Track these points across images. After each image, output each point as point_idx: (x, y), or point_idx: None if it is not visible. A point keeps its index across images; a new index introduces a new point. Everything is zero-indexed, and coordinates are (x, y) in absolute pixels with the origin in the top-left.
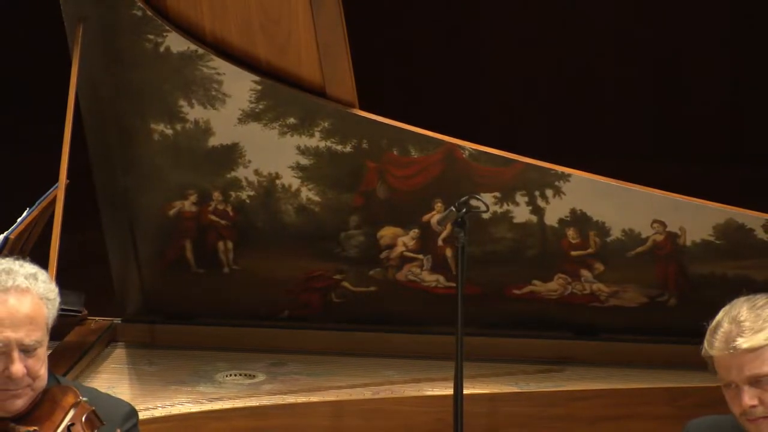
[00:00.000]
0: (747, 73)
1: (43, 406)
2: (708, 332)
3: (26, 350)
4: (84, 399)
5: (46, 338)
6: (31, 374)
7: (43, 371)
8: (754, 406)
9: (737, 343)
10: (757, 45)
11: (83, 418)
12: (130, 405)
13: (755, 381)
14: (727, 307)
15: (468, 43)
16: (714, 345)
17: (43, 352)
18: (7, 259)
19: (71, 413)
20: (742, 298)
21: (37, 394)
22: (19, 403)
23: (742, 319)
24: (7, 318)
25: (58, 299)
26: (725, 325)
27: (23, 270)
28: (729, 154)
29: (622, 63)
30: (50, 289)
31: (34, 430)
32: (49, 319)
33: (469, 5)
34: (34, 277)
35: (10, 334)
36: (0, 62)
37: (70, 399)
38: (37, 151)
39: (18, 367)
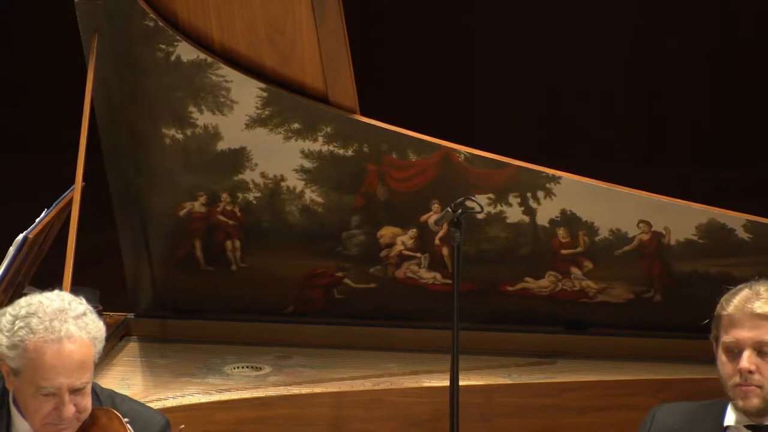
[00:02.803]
0: (727, 81)
1: (89, 430)
2: (725, 297)
3: (76, 391)
4: (126, 420)
5: (93, 370)
6: (79, 410)
7: (90, 404)
8: (751, 372)
9: (754, 306)
10: (738, 53)
11: None
12: (164, 418)
13: (759, 347)
14: (747, 284)
15: (465, 51)
16: (731, 304)
17: (90, 387)
18: (56, 293)
19: None
20: (763, 280)
21: (81, 421)
22: None
23: (761, 291)
24: (60, 366)
25: (104, 334)
26: (745, 291)
27: (72, 311)
28: (712, 157)
29: (611, 69)
30: (99, 327)
31: None
32: (97, 356)
33: (467, 12)
34: (83, 318)
35: (63, 380)
36: (17, 67)
37: (116, 426)
38: (54, 154)
39: (69, 409)
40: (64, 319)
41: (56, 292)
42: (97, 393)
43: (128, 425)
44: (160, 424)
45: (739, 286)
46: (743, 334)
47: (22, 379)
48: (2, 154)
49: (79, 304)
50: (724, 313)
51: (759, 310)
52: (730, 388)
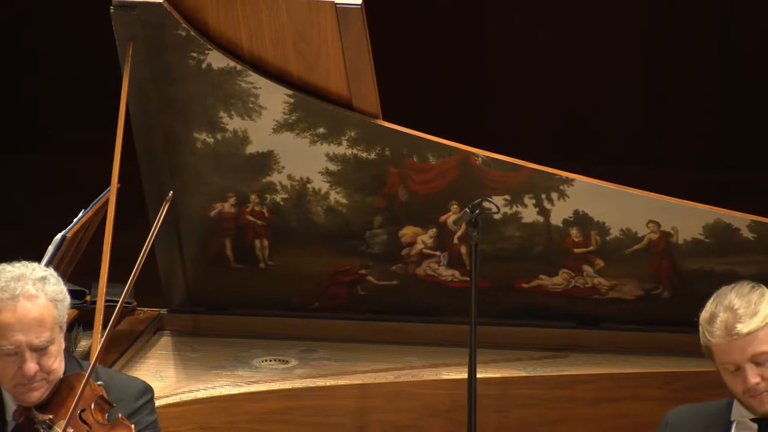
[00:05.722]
0: (729, 84)
1: (61, 393)
2: (704, 323)
3: (37, 349)
4: (99, 383)
5: (59, 335)
6: (44, 370)
7: (56, 365)
8: (758, 383)
9: (738, 329)
10: (740, 56)
11: (93, 404)
12: (144, 383)
13: (755, 359)
14: (715, 298)
15: (479, 54)
16: (714, 334)
17: (55, 349)
18: (22, 263)
19: (82, 399)
20: (727, 288)
21: (53, 384)
22: (36, 395)
23: (735, 306)
24: (17, 323)
25: (67, 299)
26: (721, 315)
27: (33, 275)
28: (716, 160)
29: (620, 73)
30: (59, 290)
31: (50, 418)
32: (60, 318)
33: (476, 21)
34: (43, 281)
35: (21, 337)
36: (60, 74)
37: (87, 387)
38: (91, 156)
39: (30, 366)
40: (23, 281)
41: (23, 262)
42: (82, 365)
43: (101, 387)
44: (138, 387)
45: (710, 306)
46: (737, 356)
47: None
48: (42, 155)
49: (42, 270)
50: (712, 342)
51: (744, 330)
52: (741, 398)
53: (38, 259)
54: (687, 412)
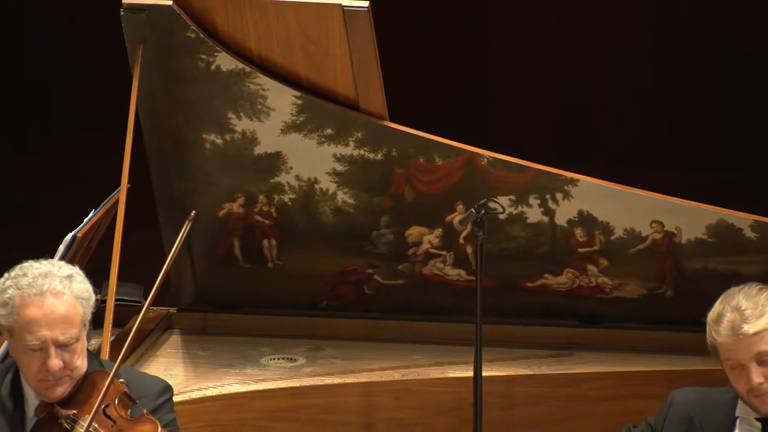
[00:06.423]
0: (730, 86)
1: (84, 390)
2: (711, 323)
3: (62, 346)
4: (121, 380)
5: (83, 333)
6: (68, 366)
7: (79, 362)
8: (761, 383)
9: (744, 329)
10: (740, 59)
11: (117, 400)
12: (164, 382)
13: (759, 358)
14: (723, 299)
15: (481, 53)
16: (721, 333)
17: (79, 346)
18: (48, 261)
19: (106, 396)
20: (735, 289)
21: (76, 381)
22: (60, 391)
23: (743, 307)
24: (43, 319)
25: (93, 297)
26: (728, 315)
27: (60, 272)
28: (717, 160)
29: (618, 77)
30: (85, 288)
31: (74, 413)
32: (85, 316)
33: (477, 21)
34: (70, 278)
35: (47, 333)
36: (61, 74)
37: (105, 383)
38: (101, 157)
39: (55, 362)
40: (50, 278)
41: (50, 259)
42: (103, 364)
43: (123, 384)
44: (159, 385)
45: (718, 307)
46: (742, 355)
47: (15, 338)
48: (42, 155)
49: (69, 269)
50: (718, 341)
51: (751, 331)
52: (745, 396)
53: (40, 259)
54: (692, 398)
